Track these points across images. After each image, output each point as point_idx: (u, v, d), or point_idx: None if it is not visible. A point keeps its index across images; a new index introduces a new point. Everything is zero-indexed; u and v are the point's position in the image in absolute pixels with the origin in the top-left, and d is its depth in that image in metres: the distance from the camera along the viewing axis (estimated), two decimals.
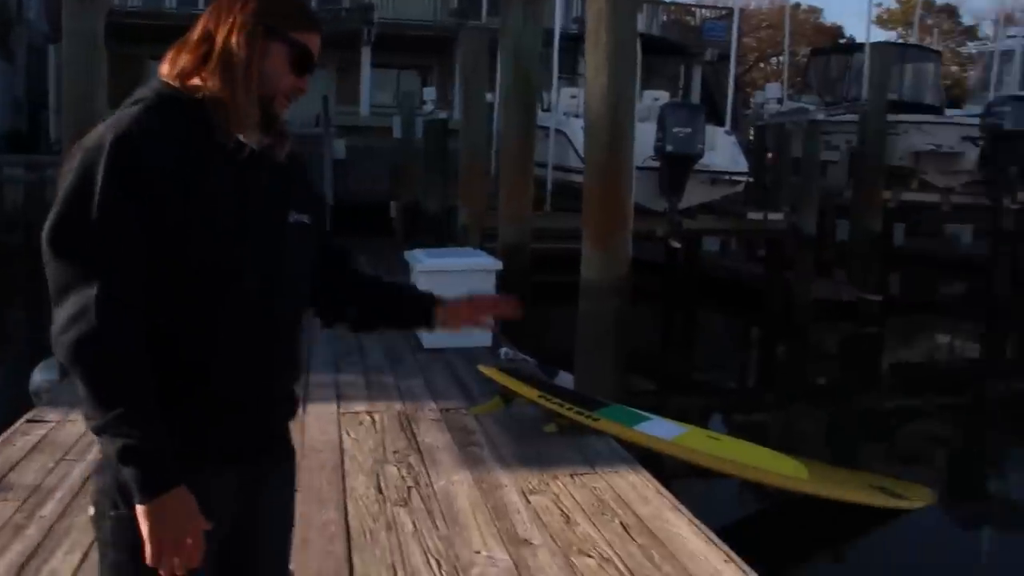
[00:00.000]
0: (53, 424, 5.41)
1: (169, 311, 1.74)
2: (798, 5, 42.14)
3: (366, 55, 24.89)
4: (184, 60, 1.83)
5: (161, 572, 1.67)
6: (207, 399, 1.79)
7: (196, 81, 1.81)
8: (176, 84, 1.82)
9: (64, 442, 5.07)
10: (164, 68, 1.85)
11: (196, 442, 1.77)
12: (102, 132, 1.72)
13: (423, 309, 2.21)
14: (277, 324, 1.86)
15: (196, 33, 1.84)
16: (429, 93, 19.28)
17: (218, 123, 1.77)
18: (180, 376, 1.75)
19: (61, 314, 1.65)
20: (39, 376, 6.36)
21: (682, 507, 4.42)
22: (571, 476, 4.82)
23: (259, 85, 1.81)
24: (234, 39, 1.79)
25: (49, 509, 4.17)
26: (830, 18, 50.22)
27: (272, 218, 1.86)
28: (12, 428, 5.40)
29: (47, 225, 1.69)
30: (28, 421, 5.53)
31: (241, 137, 1.79)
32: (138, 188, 1.67)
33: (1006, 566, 3.56)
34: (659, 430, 5.61)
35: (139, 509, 1.66)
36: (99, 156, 1.67)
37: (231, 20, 1.80)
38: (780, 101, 20.47)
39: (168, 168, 1.69)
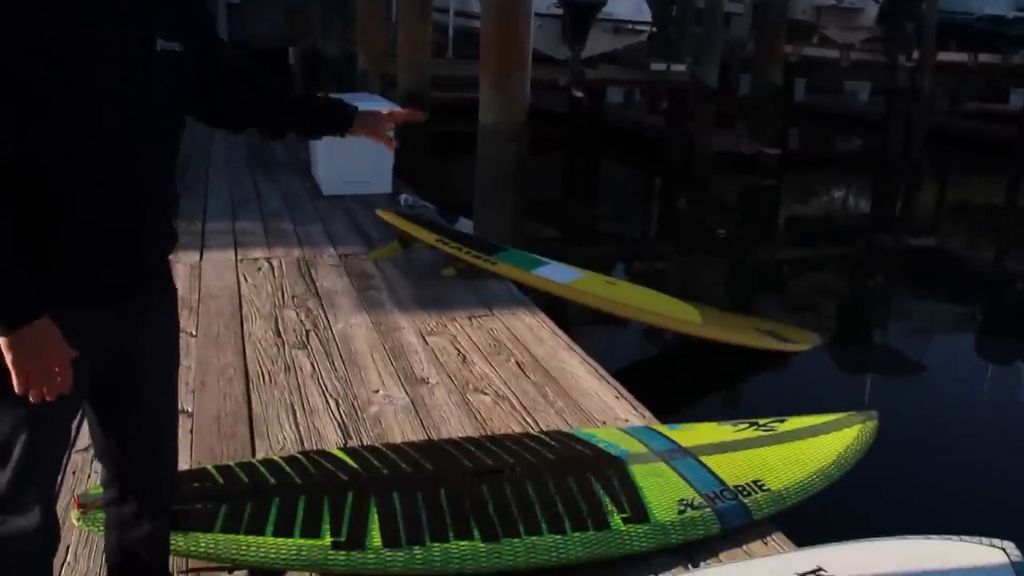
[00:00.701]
0: None
1: (28, 149, 1.67)
2: None
3: None
4: None
5: (31, 399, 1.68)
6: (72, 236, 1.74)
7: None
8: None
9: None
10: None
11: (65, 279, 1.75)
12: None
13: (341, 118, 2.28)
14: (141, 158, 1.79)
15: None
16: None
17: None
18: (44, 214, 1.71)
19: None
20: None
21: (576, 347, 4.53)
22: (468, 318, 4.88)
23: None
24: None
25: None
26: None
27: (131, 48, 1.75)
28: None
29: None
30: None
31: None
32: None
33: (879, 404, 3.81)
34: (556, 274, 5.68)
35: (1, 341, 1.65)
36: None
37: None
38: None
39: (13, 6, 1.59)
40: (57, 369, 1.69)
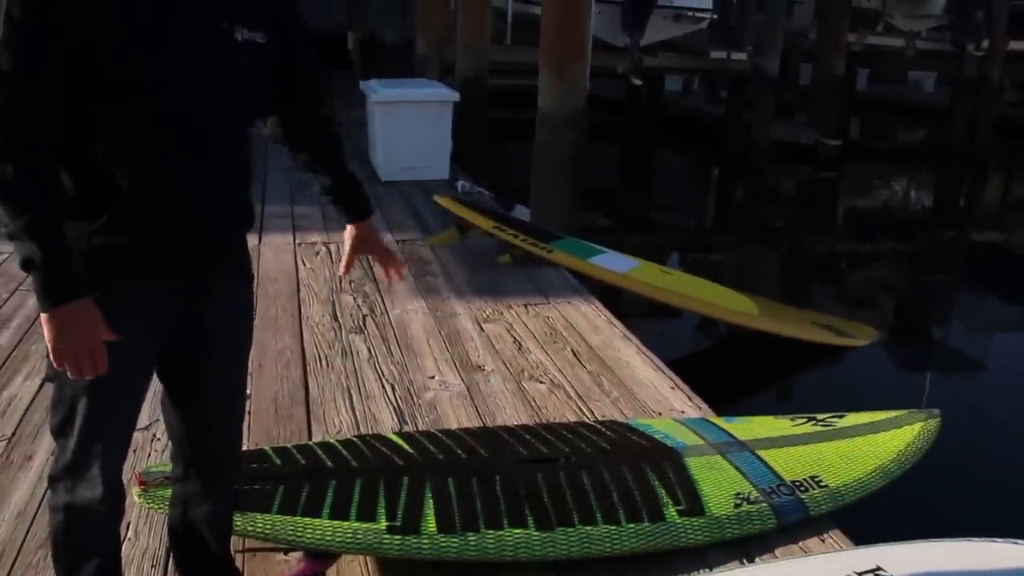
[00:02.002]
0: (6, 255, 5.33)
1: (90, 121, 1.71)
2: None
3: None
4: None
5: (68, 375, 1.73)
6: (130, 209, 1.77)
7: None
8: None
9: (18, 273, 4.97)
10: None
11: (125, 248, 1.78)
12: None
13: (352, 209, 2.26)
14: (209, 140, 1.81)
15: None
16: None
17: None
18: (102, 186, 1.75)
19: None
20: None
21: (632, 336, 4.51)
22: (524, 306, 4.88)
23: None
24: None
25: (6, 338, 4.17)
26: None
27: (206, 33, 1.76)
28: None
29: None
30: None
31: None
32: (42, 3, 1.62)
33: (939, 402, 3.73)
34: (612, 263, 5.66)
35: (41, 316, 1.70)
36: None
37: None
38: None
39: None
40: (92, 350, 1.71)
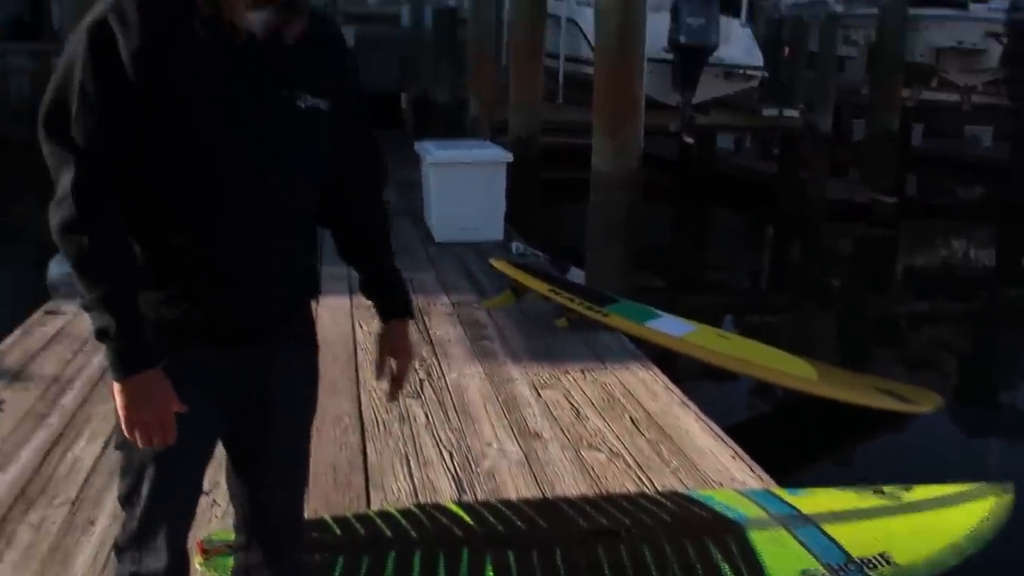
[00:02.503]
0: (70, 316, 5.44)
1: (157, 192, 1.75)
2: None
3: None
4: None
5: (139, 445, 1.75)
6: (196, 279, 1.79)
7: None
8: None
9: (81, 334, 5.09)
10: None
11: (188, 321, 1.80)
12: (87, 17, 1.71)
13: (385, 307, 2.15)
14: (269, 206, 1.82)
15: None
16: None
17: (207, 4, 1.72)
18: (169, 256, 1.78)
19: (53, 199, 1.70)
20: (55, 268, 6.37)
21: (690, 403, 4.46)
22: (581, 371, 4.86)
23: None
24: None
25: (70, 398, 4.23)
26: None
27: (269, 101, 1.79)
28: (30, 319, 5.45)
29: (40, 111, 1.72)
30: (46, 313, 5.58)
31: (234, 18, 1.73)
32: (112, 74, 1.66)
33: (1012, 474, 3.59)
34: (669, 327, 5.62)
35: (114, 386, 1.72)
36: (78, 44, 1.69)
37: None
38: None
39: (142, 52, 1.66)
40: (163, 420, 1.73)
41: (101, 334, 1.69)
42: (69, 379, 4.48)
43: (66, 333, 5.19)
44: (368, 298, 2.16)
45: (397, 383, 2.16)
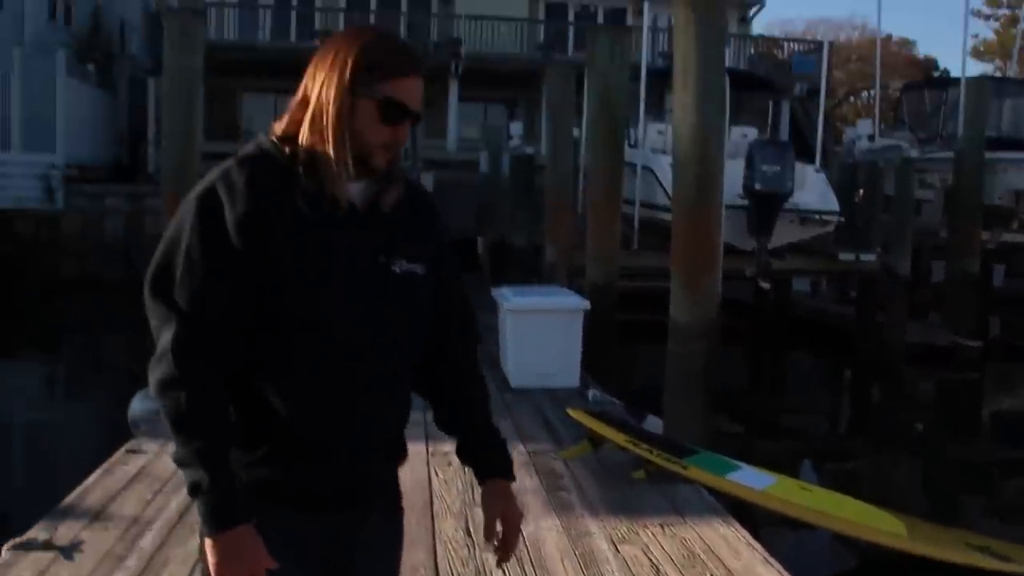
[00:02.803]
0: (151, 455, 5.54)
1: (255, 356, 1.81)
2: (889, 37, 41.30)
3: (453, 89, 25.28)
4: (289, 118, 1.89)
5: None
6: (289, 443, 1.84)
7: (297, 137, 1.86)
8: (278, 140, 1.88)
9: (162, 474, 5.18)
10: (275, 125, 1.91)
11: (278, 484, 1.84)
12: (199, 186, 1.83)
13: (486, 465, 2.11)
14: (366, 373, 1.86)
15: (299, 92, 1.89)
16: (516, 128, 19.40)
17: (310, 178, 1.82)
18: (263, 419, 1.83)
19: (153, 354, 1.79)
20: (137, 405, 6.52)
21: (773, 560, 4.33)
22: (660, 526, 4.76)
23: (352, 142, 1.83)
24: (323, 98, 1.83)
25: (148, 540, 4.27)
26: (923, 50, 49.10)
27: (367, 268, 1.86)
28: (112, 458, 5.56)
29: (148, 271, 1.83)
30: (128, 451, 5.69)
31: (335, 191, 1.82)
32: (217, 241, 1.76)
33: None
34: (750, 480, 5.50)
35: (205, 541, 1.76)
36: (188, 210, 1.80)
37: (322, 79, 1.85)
38: (872, 138, 20.10)
39: (246, 220, 1.76)
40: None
41: (194, 489, 1.74)
42: (148, 520, 4.53)
43: (147, 472, 5.27)
44: (465, 460, 2.13)
45: (505, 547, 2.09)
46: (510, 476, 2.11)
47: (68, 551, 4.12)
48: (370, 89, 1.83)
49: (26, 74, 19.69)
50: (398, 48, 1.90)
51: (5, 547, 4.11)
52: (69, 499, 4.82)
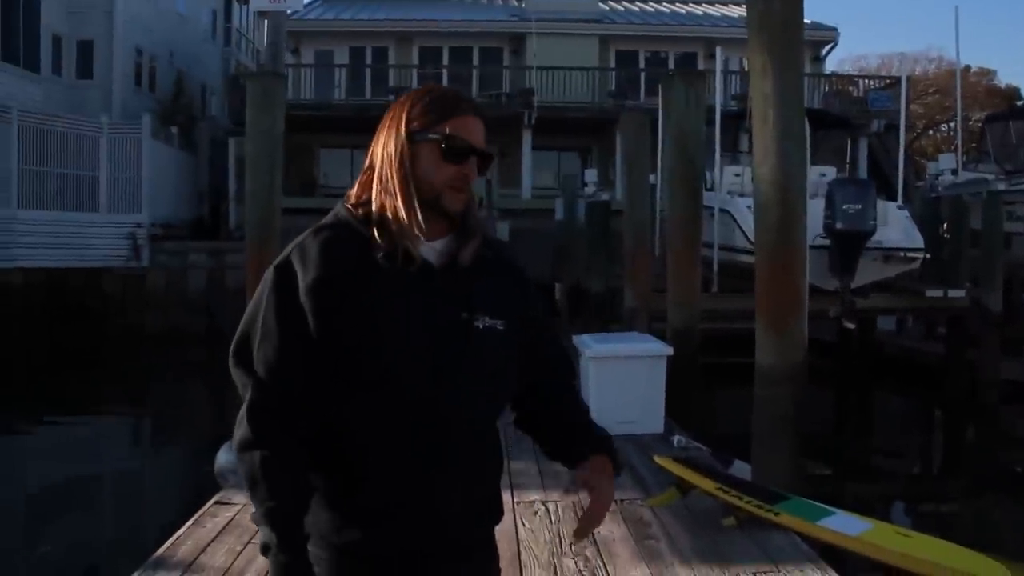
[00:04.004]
0: (240, 507, 5.59)
1: (338, 418, 1.83)
2: (968, 68, 40.47)
3: (527, 138, 25.51)
4: (359, 184, 1.93)
5: None
6: (377, 503, 1.84)
7: (370, 202, 1.90)
8: (352, 207, 1.91)
9: (250, 526, 5.21)
10: (349, 193, 1.95)
11: (369, 544, 1.84)
12: (279, 257, 1.88)
13: (573, 454, 2.09)
14: (450, 430, 1.86)
15: (366, 159, 1.94)
16: (590, 175, 19.48)
17: (383, 238, 1.84)
18: (350, 480, 1.84)
19: (237, 418, 1.85)
20: (224, 457, 6.62)
21: None
22: (753, 574, 4.64)
23: (421, 189, 1.85)
24: (385, 155, 1.88)
25: None
26: (1004, 79, 47.85)
27: (445, 326, 1.86)
28: (202, 510, 5.63)
29: (233, 340, 1.89)
30: (217, 503, 5.76)
31: (407, 245, 1.83)
32: (291, 310, 1.80)
33: None
34: (844, 525, 5.33)
35: None
36: (265, 282, 1.86)
37: (382, 139, 1.90)
38: (955, 172, 19.66)
39: (320, 288, 1.79)
40: None
41: (265, 549, 1.78)
42: (239, 572, 4.58)
43: (236, 524, 5.32)
44: (567, 460, 2.08)
45: (588, 521, 2.04)
46: (614, 456, 2.07)
47: None
48: (427, 133, 1.87)
49: (113, 138, 20.44)
50: (449, 93, 1.94)
51: None
52: (161, 550, 4.89)
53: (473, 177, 1.90)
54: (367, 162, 1.93)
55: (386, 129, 1.90)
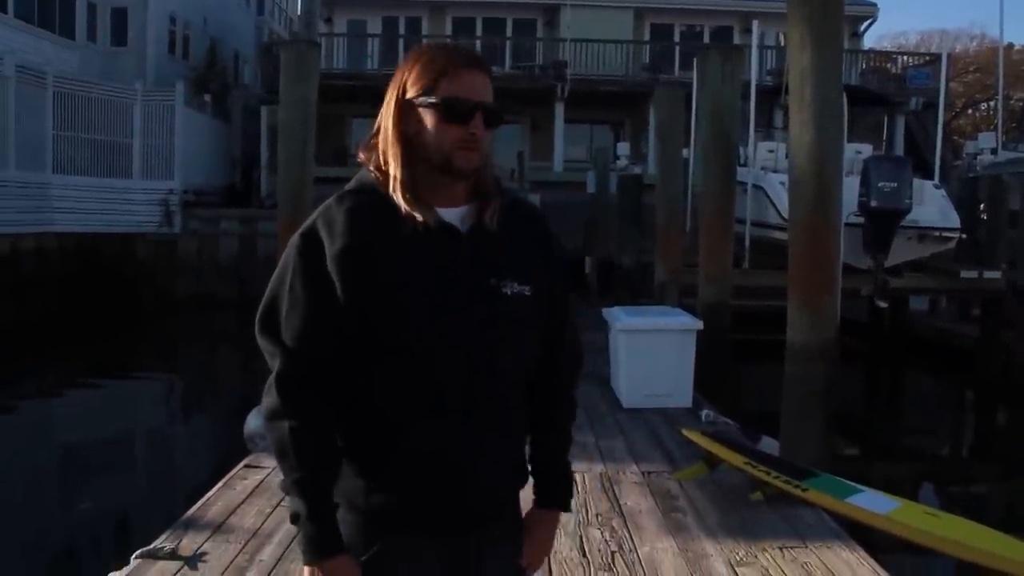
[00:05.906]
0: (269, 470, 5.65)
1: (368, 386, 1.83)
2: (1011, 45, 39.66)
3: (559, 111, 25.41)
4: (373, 149, 1.90)
5: None
6: (405, 468, 1.83)
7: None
8: (375, 169, 1.89)
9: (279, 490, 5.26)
10: (362, 154, 1.92)
11: (398, 508, 1.84)
12: (304, 225, 1.86)
13: (544, 493, 2.11)
14: (476, 395, 1.85)
15: (377, 122, 1.91)
16: (622, 148, 19.39)
17: (400, 202, 1.81)
18: (378, 445, 1.84)
19: (265, 387, 1.85)
20: (253, 422, 6.68)
21: None
22: (780, 549, 4.63)
23: (428, 157, 1.83)
24: (389, 121, 1.86)
25: (268, 553, 4.36)
26: None
27: (472, 291, 1.84)
28: (232, 472, 5.70)
29: (259, 309, 1.88)
30: (246, 466, 5.82)
31: (410, 210, 1.81)
32: (317, 278, 1.79)
33: None
34: (873, 503, 5.29)
35: (304, 569, 1.82)
36: (291, 250, 1.85)
37: (386, 104, 1.88)
38: (994, 151, 19.35)
39: (346, 255, 1.78)
40: None
41: (294, 518, 1.79)
42: (268, 533, 4.63)
43: (265, 487, 5.38)
44: (532, 475, 2.10)
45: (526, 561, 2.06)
46: (565, 509, 2.13)
47: (193, 561, 4.23)
48: (426, 95, 1.83)
49: (147, 105, 20.55)
50: (442, 51, 1.88)
51: (134, 555, 4.24)
52: (192, 511, 4.96)
53: (481, 132, 1.84)
54: (378, 122, 1.90)
55: (389, 93, 1.88)
